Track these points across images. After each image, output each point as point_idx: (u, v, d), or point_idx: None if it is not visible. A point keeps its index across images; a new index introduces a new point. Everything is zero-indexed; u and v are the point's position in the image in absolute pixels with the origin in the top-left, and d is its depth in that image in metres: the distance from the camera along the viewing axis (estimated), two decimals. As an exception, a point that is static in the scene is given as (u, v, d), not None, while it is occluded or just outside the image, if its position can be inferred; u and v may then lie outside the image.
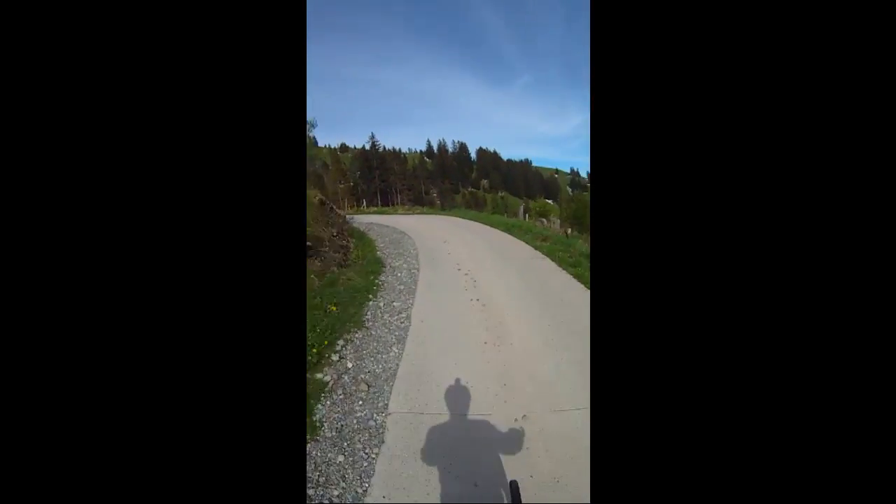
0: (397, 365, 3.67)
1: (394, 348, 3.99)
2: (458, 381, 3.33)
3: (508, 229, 11.06)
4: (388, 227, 12.12)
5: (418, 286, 5.73)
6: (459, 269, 6.44)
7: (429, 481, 2.34)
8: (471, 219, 15.29)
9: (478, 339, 4.04)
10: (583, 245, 7.96)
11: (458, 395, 3.15)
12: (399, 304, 5.08)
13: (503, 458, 2.45)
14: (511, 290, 5.43)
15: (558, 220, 19.04)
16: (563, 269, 6.21)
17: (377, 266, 6.74)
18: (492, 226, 12.28)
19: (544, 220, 16.75)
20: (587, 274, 5.71)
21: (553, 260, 6.77)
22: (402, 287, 5.73)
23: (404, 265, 6.93)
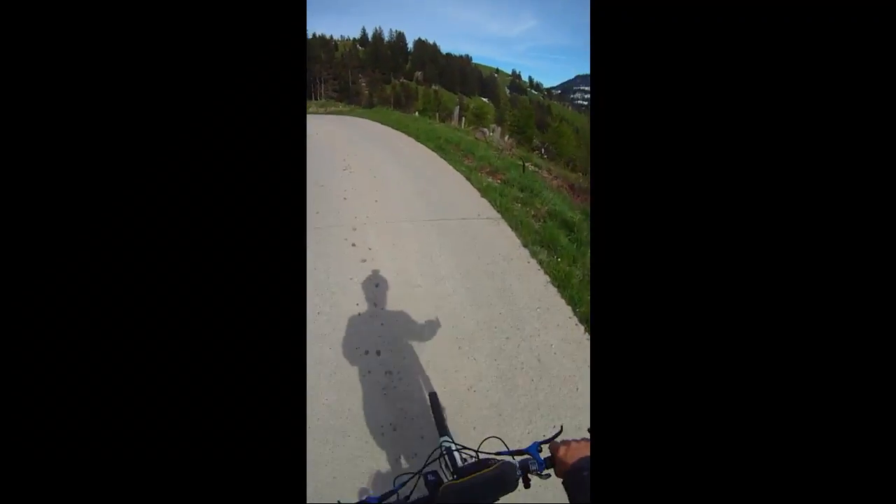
0: None
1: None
2: None
3: (440, 147, 8.26)
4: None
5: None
6: (355, 245, 3.78)
7: None
8: (394, 125, 12.08)
9: None
10: (549, 193, 5.51)
11: None
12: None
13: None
14: (445, 327, 2.93)
15: (498, 129, 16.44)
16: (532, 252, 3.75)
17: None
18: (418, 139, 9.34)
19: (486, 129, 13.89)
20: (572, 271, 3.33)
21: (511, 226, 4.28)
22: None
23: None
